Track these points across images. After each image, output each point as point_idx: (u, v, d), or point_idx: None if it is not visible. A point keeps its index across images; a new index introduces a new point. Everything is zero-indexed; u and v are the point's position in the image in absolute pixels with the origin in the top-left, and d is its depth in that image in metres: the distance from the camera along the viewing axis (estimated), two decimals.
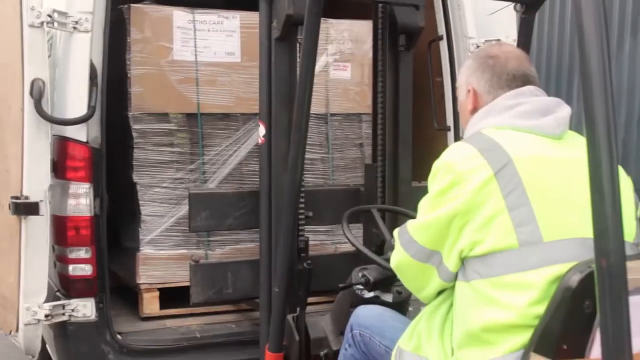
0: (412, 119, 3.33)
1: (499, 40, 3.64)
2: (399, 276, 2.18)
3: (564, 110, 2.04)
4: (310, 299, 2.97)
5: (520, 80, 2.09)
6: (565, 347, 1.74)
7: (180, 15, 3.58)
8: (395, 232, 2.15)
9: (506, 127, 2.00)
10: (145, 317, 3.56)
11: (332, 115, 3.93)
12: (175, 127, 3.62)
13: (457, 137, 3.71)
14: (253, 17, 3.13)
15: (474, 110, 2.14)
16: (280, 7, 2.89)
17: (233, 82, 3.67)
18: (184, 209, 3.50)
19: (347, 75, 3.95)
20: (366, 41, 3.79)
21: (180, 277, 3.57)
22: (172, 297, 3.60)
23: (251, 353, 3.27)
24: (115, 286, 3.60)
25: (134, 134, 3.55)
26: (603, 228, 1.41)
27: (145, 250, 3.57)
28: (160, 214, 3.61)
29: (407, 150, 3.29)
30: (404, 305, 2.81)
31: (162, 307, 3.58)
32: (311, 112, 3.75)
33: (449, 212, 1.89)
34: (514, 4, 2.76)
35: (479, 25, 3.72)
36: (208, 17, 3.62)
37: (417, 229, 2.03)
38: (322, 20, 3.09)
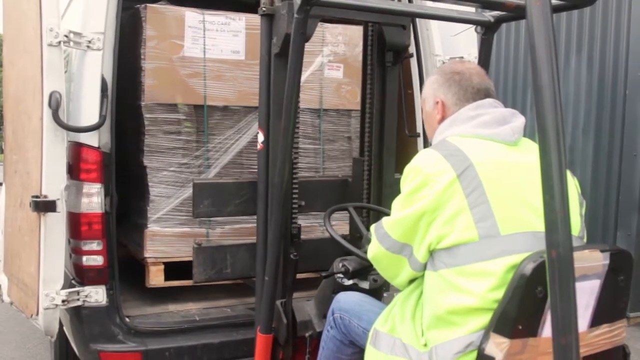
0: None
1: (462, 57, 3.65)
2: (375, 266, 2.19)
3: (519, 120, 2.06)
4: (300, 276, 2.95)
5: (483, 93, 2.10)
6: (520, 327, 1.75)
7: (191, 16, 3.52)
8: (372, 227, 2.15)
9: (469, 135, 2.01)
10: (151, 287, 3.52)
11: (325, 110, 3.89)
12: (183, 117, 3.57)
13: (426, 143, 3.70)
14: (257, 20, 3.05)
15: (442, 119, 2.14)
16: (280, 25, 2.82)
17: (237, 77, 3.61)
18: (188, 192, 3.46)
19: (339, 75, 3.91)
20: (357, 44, 3.74)
21: (183, 252, 3.53)
22: (175, 271, 3.55)
23: (244, 334, 3.26)
24: (125, 259, 3.54)
25: (146, 122, 3.49)
26: (553, 223, 1.42)
27: (153, 227, 3.52)
28: (167, 195, 3.55)
29: (391, 150, 3.26)
30: (379, 291, 2.81)
31: (166, 279, 3.54)
32: (306, 106, 3.72)
33: (419, 209, 1.90)
34: (474, 26, 2.77)
35: (445, 44, 3.73)
36: (217, 18, 3.55)
37: (390, 224, 2.03)
38: (319, 24, 3.05)
